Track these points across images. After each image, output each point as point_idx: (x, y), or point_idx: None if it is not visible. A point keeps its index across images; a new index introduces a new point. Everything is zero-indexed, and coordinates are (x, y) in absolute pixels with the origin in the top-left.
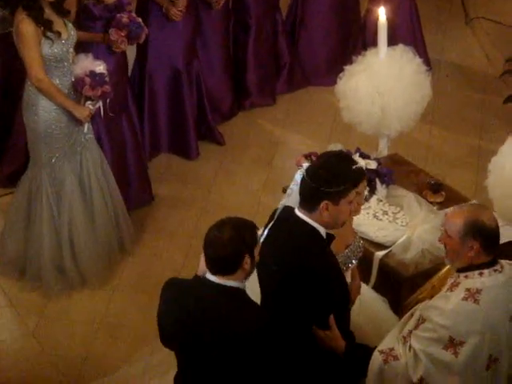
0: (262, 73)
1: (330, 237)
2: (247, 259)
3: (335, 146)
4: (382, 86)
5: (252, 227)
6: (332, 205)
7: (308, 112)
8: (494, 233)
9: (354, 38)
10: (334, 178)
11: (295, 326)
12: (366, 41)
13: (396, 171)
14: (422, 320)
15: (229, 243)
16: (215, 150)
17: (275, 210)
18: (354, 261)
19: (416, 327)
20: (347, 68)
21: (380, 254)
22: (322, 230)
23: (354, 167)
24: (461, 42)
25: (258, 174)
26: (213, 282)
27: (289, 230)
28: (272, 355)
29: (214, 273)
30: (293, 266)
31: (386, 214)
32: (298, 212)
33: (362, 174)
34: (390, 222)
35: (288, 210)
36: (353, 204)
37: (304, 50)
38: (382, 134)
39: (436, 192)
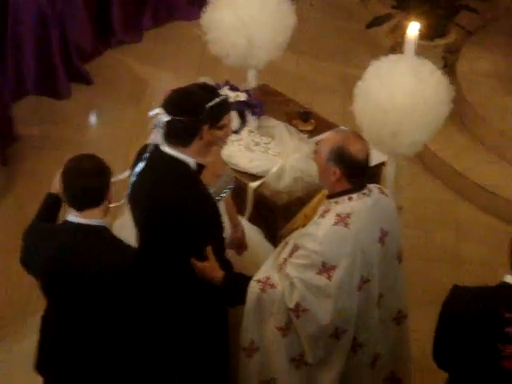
0: (127, 9)
1: (201, 167)
2: (110, 188)
3: (205, 80)
4: (247, 16)
5: (102, 160)
6: (208, 130)
7: (175, 47)
8: (358, 163)
9: None
10: (195, 105)
11: (173, 260)
12: None
13: (266, 102)
14: (296, 248)
15: (96, 173)
16: (84, 90)
17: (141, 150)
18: (225, 191)
19: (291, 255)
20: (211, 0)
21: (254, 184)
22: (192, 162)
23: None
24: None
25: (128, 111)
26: (76, 224)
27: (158, 167)
28: (146, 290)
29: (79, 208)
30: (165, 201)
31: (258, 145)
32: (164, 148)
33: (226, 104)
34: (262, 153)
35: (155, 148)
36: (225, 130)
37: None
38: (249, 65)
39: (306, 120)
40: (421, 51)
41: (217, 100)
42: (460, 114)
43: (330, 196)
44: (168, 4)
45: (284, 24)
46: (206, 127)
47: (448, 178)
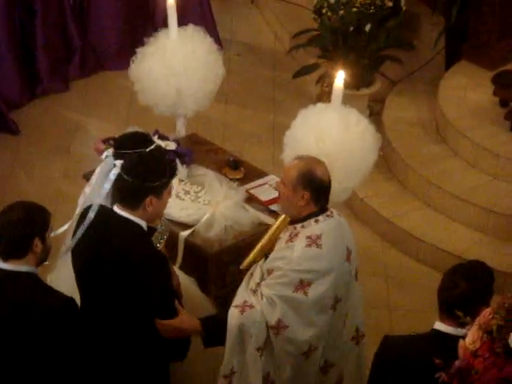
0: (53, 58)
1: (152, 230)
2: (37, 242)
3: (133, 130)
4: (176, 66)
5: (43, 210)
6: (156, 199)
7: (103, 97)
8: (324, 184)
9: (144, 19)
10: (155, 172)
11: (135, 325)
12: (156, 21)
13: (195, 151)
14: (270, 271)
15: (18, 224)
16: (9, 140)
17: (85, 210)
18: (161, 241)
19: (262, 280)
20: (139, 50)
21: (185, 233)
22: (144, 225)
23: (167, 157)
24: (249, 21)
25: (56, 162)
26: (2, 270)
27: (110, 229)
28: (72, 336)
29: (5, 258)
30: (121, 265)
31: (189, 194)
32: (117, 209)
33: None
34: (192, 201)
35: (105, 209)
36: (170, 194)
37: (94, 33)
38: (178, 114)
39: (235, 169)
40: (347, 100)
41: (168, 159)
42: (387, 162)
43: (295, 221)
44: (96, 53)
45: (213, 74)
46: (152, 197)
47: (376, 225)
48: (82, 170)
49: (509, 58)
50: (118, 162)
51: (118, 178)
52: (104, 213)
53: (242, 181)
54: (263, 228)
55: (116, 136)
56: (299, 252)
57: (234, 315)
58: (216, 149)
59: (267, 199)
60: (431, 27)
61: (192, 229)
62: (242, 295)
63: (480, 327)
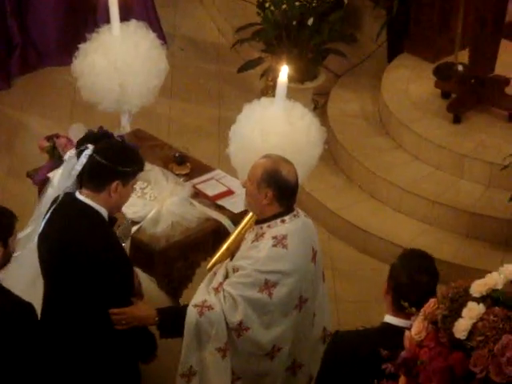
0: None
1: (113, 220)
2: None
3: (77, 126)
4: (119, 62)
5: (9, 216)
6: (122, 186)
7: (46, 93)
8: (290, 185)
9: (85, 15)
10: (128, 157)
11: (90, 312)
12: (98, 18)
13: (141, 146)
14: (235, 269)
15: None
16: None
17: (57, 197)
18: (125, 241)
19: (225, 279)
20: (82, 46)
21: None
22: (105, 213)
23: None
24: (192, 16)
25: (0, 160)
26: None
27: (70, 214)
28: (34, 344)
29: None
30: (76, 252)
31: (135, 190)
32: (79, 195)
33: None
34: (138, 198)
35: (68, 195)
36: (133, 188)
37: (34, 30)
38: (122, 110)
39: (181, 164)
40: (292, 94)
41: (139, 162)
42: (333, 155)
43: (261, 221)
44: (37, 50)
45: (156, 69)
46: (119, 182)
47: (322, 218)
48: (25, 167)
49: (449, 50)
50: (90, 146)
51: (89, 159)
52: (67, 199)
53: (189, 176)
54: (210, 223)
55: (59, 133)
56: (265, 252)
57: (192, 315)
58: (161, 144)
59: (214, 194)
60: (373, 20)
61: (138, 225)
62: (202, 293)
63: (425, 318)
